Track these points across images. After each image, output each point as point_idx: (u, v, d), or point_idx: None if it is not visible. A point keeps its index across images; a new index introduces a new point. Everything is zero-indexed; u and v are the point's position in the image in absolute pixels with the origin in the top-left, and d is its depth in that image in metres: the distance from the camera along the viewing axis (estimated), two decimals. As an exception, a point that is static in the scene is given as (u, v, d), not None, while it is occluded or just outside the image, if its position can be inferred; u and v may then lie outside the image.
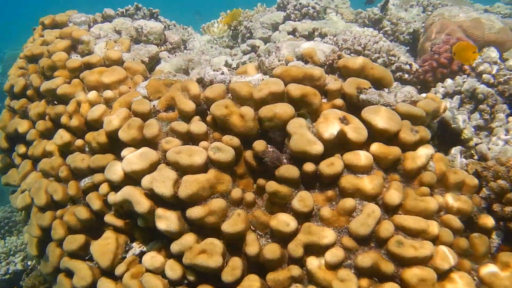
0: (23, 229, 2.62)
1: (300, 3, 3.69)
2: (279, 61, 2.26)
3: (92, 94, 2.19)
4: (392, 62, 2.75)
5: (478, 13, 3.41)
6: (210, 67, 2.08)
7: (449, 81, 2.60)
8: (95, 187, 2.11)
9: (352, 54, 2.70)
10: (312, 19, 3.62)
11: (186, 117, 2.01)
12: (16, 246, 3.86)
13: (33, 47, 2.76)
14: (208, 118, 2.00)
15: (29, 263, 3.73)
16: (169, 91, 2.11)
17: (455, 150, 2.17)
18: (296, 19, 3.64)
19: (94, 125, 2.16)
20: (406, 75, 2.81)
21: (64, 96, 2.34)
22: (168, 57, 2.65)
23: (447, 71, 2.77)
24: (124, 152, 1.98)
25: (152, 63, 2.57)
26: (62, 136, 2.29)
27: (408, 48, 3.60)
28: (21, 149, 2.65)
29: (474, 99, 2.55)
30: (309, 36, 3.02)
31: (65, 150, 2.32)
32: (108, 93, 2.17)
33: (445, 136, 2.30)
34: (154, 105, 2.06)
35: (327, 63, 2.15)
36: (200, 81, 2.13)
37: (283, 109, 1.86)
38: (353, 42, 2.79)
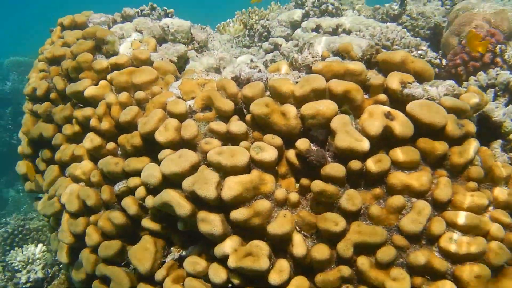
0: (50, 236, 2.58)
1: (319, 0, 3.67)
2: (312, 57, 2.24)
3: (123, 96, 2.16)
4: (422, 56, 2.73)
5: (502, 3, 3.39)
6: (246, 65, 2.05)
7: (482, 74, 2.58)
8: (130, 191, 2.08)
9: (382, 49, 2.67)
10: (331, 16, 3.60)
11: (225, 117, 1.98)
12: (35, 254, 3.82)
13: (54, 49, 2.73)
14: (247, 117, 1.97)
15: (49, 271, 3.70)
16: (204, 90, 2.08)
17: (496, 144, 2.15)
18: (315, 16, 3.62)
19: (127, 127, 2.13)
20: (436, 70, 2.79)
21: (92, 99, 2.32)
22: (197, 56, 2.62)
23: (479, 64, 2.75)
24: (162, 154, 1.95)
25: (181, 62, 2.55)
26: (92, 139, 2.27)
27: (428, 43, 3.58)
28: (46, 154, 2.62)
29: (508, 92, 2.53)
30: (334, 33, 3.00)
31: (96, 154, 2.29)
32: (140, 94, 2.14)
33: (482, 130, 2.27)
34: (190, 105, 2.03)
35: (365, 58, 2.13)
36: (236, 79, 2.10)
37: (326, 106, 1.84)
38: (380, 37, 2.77)
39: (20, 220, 5.60)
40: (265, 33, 3.93)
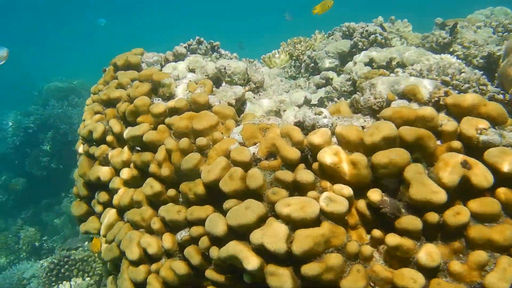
0: (106, 281, 2.56)
1: (367, 30, 3.61)
2: (375, 98, 2.17)
3: (184, 142, 2.13)
4: (483, 92, 2.63)
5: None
6: (310, 110, 1.99)
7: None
8: (193, 240, 2.04)
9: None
10: (380, 46, 3.53)
11: (290, 165, 1.93)
12: (82, 288, 3.82)
13: (109, 91, 2.73)
14: (314, 165, 1.91)
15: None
16: (268, 137, 2.03)
17: None
18: (364, 47, 3.55)
19: (189, 174, 2.09)
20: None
21: (151, 143, 2.30)
22: (254, 97, 2.58)
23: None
24: (227, 204, 1.91)
25: (238, 104, 2.51)
26: (152, 185, 2.24)
27: (482, 72, 3.47)
28: (103, 197, 2.61)
29: None
30: (387, 67, 2.93)
31: (155, 200, 2.27)
32: (202, 141, 2.11)
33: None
34: (254, 153, 1.98)
35: (432, 100, 2.05)
36: (299, 124, 2.05)
37: (399, 155, 1.77)
38: (438, 72, 2.68)
39: (65, 250, 5.64)
40: (312, 64, 3.88)
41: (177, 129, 2.24)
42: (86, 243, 5.79)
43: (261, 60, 4.30)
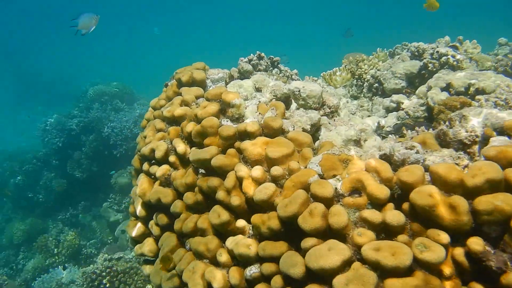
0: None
1: (438, 52, 3.40)
2: (467, 132, 1.98)
3: (258, 171, 2.00)
4: None
5: None
6: (400, 144, 1.82)
7: None
8: (263, 278, 1.89)
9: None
10: (452, 69, 3.32)
11: (378, 204, 1.77)
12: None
13: (173, 108, 2.63)
14: (405, 206, 1.75)
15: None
16: (351, 170, 1.87)
17: None
18: (434, 69, 3.35)
19: (262, 206, 1.94)
20: None
21: (219, 168, 2.16)
22: (329, 123, 2.42)
23: None
24: (306, 243, 1.76)
25: (313, 131, 2.35)
26: (220, 214, 2.11)
27: None
28: (162, 219, 2.50)
29: None
30: (466, 93, 2.72)
31: (222, 230, 2.13)
32: (278, 170, 1.96)
33: None
34: (336, 188, 1.82)
35: (538, 138, 1.85)
36: (386, 158, 1.88)
37: (506, 202, 1.59)
38: (527, 101, 2.47)
39: (107, 260, 5.58)
40: (376, 84, 3.70)
41: (250, 156, 2.10)
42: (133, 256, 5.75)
43: (320, 77, 4.14)
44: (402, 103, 3.05)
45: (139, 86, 15.69)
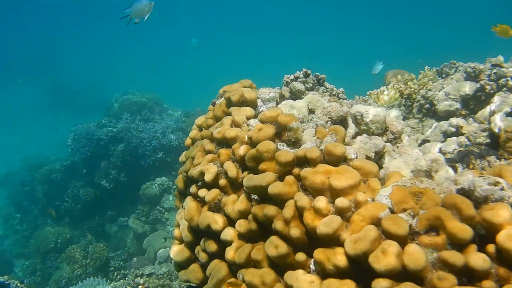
0: None
1: (495, 73, 3.24)
2: (550, 165, 1.81)
3: (322, 202, 1.86)
4: None
5: None
6: (482, 179, 1.67)
7: None
8: (327, 318, 1.74)
9: None
10: (511, 91, 3.16)
11: (459, 245, 1.61)
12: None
13: (224, 129, 2.51)
14: (490, 248, 1.60)
15: None
16: (426, 206, 1.72)
17: None
18: (492, 91, 3.19)
19: (326, 240, 1.81)
20: None
21: (277, 196, 2.04)
22: (393, 150, 2.28)
23: None
24: (378, 284, 1.61)
25: (376, 158, 2.22)
26: (278, 246, 1.98)
27: None
28: (211, 246, 2.38)
29: None
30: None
31: (279, 263, 2.00)
32: (343, 202, 1.82)
33: None
34: (410, 224, 1.68)
35: None
36: (465, 193, 1.73)
37: None
38: None
39: (138, 276, 5.49)
40: (427, 105, 3.54)
41: (311, 184, 1.97)
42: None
43: (367, 95, 4.00)
44: (462, 127, 2.89)
45: (167, 96, 15.73)
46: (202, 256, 2.47)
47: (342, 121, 2.56)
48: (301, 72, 3.48)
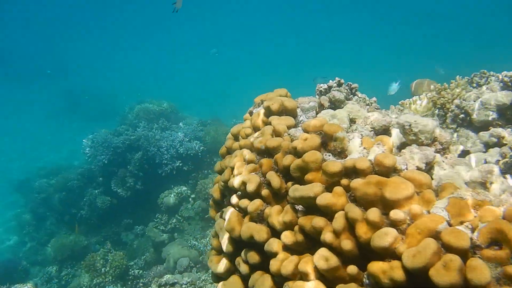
0: None
1: (534, 82, 3.19)
2: None
3: (375, 213, 1.83)
4: None
5: None
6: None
7: None
8: (384, 334, 1.70)
9: None
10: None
11: (524, 260, 1.55)
12: None
13: (265, 138, 2.49)
14: (557, 263, 1.53)
15: None
16: (486, 218, 1.68)
17: None
18: (534, 101, 3.13)
19: (381, 253, 1.77)
20: None
21: (325, 208, 2.01)
22: (443, 161, 2.24)
23: None
24: (440, 300, 1.55)
25: (426, 170, 2.18)
26: (328, 258, 1.94)
27: None
28: (253, 258, 2.35)
29: None
30: None
31: (329, 276, 1.96)
32: (398, 215, 1.79)
33: None
34: (471, 238, 1.64)
35: None
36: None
37: None
38: None
39: (161, 286, 5.46)
40: (462, 115, 3.49)
41: (363, 196, 1.93)
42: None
43: (399, 104, 3.96)
44: (504, 137, 2.84)
45: (181, 104, 15.75)
46: (243, 268, 2.43)
47: (384, 131, 2.53)
48: (334, 81, 3.44)
